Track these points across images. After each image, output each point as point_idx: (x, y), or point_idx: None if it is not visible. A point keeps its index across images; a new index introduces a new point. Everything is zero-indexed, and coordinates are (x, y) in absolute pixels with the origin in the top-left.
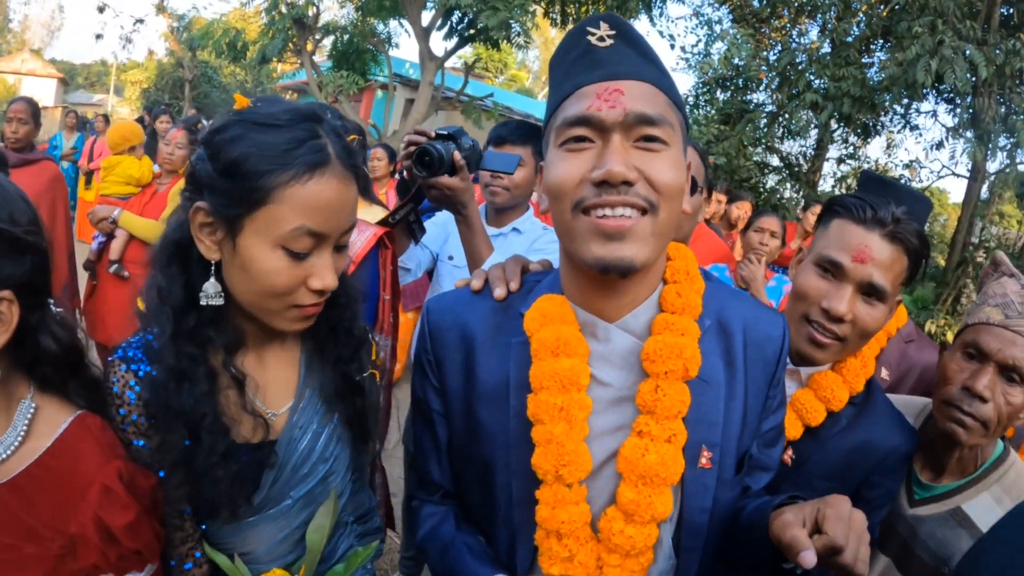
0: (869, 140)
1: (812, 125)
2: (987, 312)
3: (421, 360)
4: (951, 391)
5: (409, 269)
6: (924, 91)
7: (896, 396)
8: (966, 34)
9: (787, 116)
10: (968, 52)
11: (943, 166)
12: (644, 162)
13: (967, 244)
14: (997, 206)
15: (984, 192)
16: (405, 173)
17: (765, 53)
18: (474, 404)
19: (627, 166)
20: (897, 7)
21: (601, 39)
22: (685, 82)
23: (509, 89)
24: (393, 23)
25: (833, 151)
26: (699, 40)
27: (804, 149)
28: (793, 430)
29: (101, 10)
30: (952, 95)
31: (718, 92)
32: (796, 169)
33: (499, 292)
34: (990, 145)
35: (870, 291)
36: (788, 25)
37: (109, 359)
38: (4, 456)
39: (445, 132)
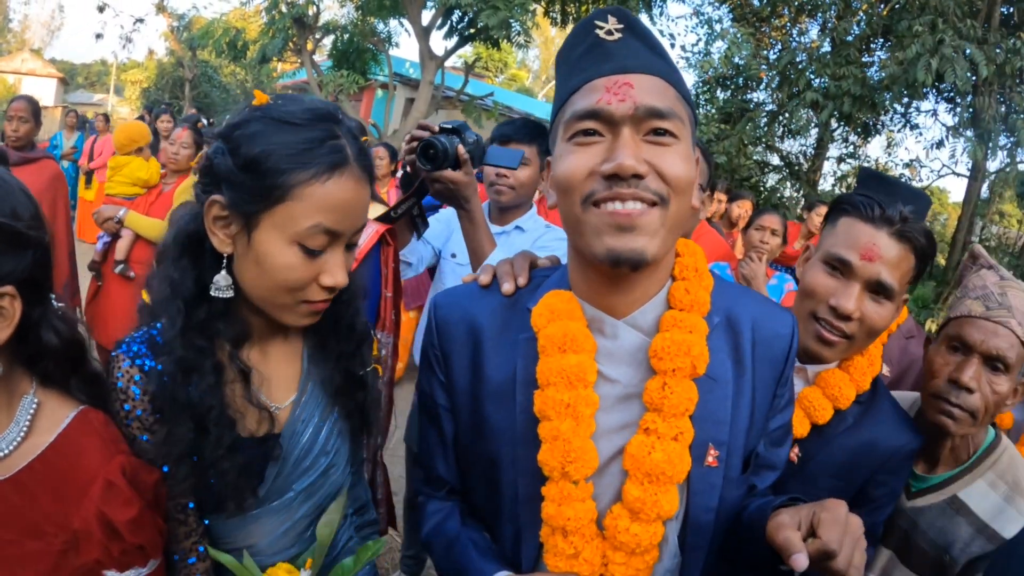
0: (869, 139)
1: (812, 124)
2: (968, 305)
3: (428, 354)
4: (938, 384)
5: (410, 263)
6: (924, 90)
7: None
8: (966, 33)
9: (787, 115)
10: (968, 51)
11: (943, 165)
12: (654, 156)
13: (967, 243)
14: (997, 205)
15: (984, 191)
16: (408, 167)
17: (765, 52)
18: (480, 400)
19: (638, 160)
20: (897, 6)
21: (609, 32)
22: (685, 81)
23: (509, 88)
24: (393, 22)
25: (833, 150)
26: (699, 39)
27: (804, 148)
28: (800, 428)
29: (101, 9)
30: (952, 94)
31: (718, 91)
32: (796, 168)
33: (507, 287)
34: (990, 144)
35: (878, 289)
36: (788, 24)
37: (113, 353)
38: (6, 452)
39: (449, 126)
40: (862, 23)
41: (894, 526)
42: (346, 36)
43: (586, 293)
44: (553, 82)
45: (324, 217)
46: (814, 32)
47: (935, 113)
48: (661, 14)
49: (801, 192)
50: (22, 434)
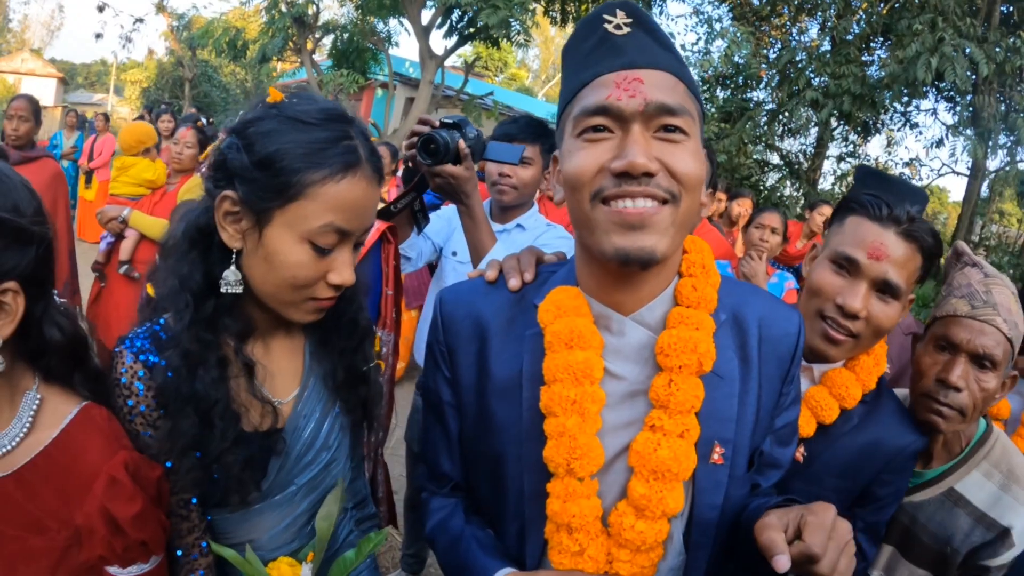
0: (869, 138)
1: (812, 123)
2: (954, 304)
3: (433, 350)
4: (927, 384)
5: (410, 258)
6: (924, 89)
7: None
8: (966, 32)
9: (787, 114)
10: (968, 50)
11: (943, 164)
12: (665, 153)
13: (967, 243)
14: (997, 204)
15: (984, 190)
16: (409, 161)
17: (765, 51)
18: (486, 396)
19: (648, 157)
20: (897, 5)
21: (618, 27)
22: None
23: (509, 88)
24: (393, 22)
25: (833, 149)
26: (699, 38)
27: (804, 147)
28: (807, 427)
29: (101, 9)
30: (952, 93)
31: (718, 90)
32: (796, 167)
33: (514, 283)
34: (990, 143)
35: (885, 288)
36: (788, 23)
37: (115, 349)
38: (9, 448)
39: (450, 121)
40: (862, 22)
41: (894, 522)
42: (346, 35)
43: (593, 289)
44: (553, 81)
45: (336, 216)
46: (814, 31)
47: (935, 112)
48: (661, 13)
49: (801, 191)
50: (25, 430)
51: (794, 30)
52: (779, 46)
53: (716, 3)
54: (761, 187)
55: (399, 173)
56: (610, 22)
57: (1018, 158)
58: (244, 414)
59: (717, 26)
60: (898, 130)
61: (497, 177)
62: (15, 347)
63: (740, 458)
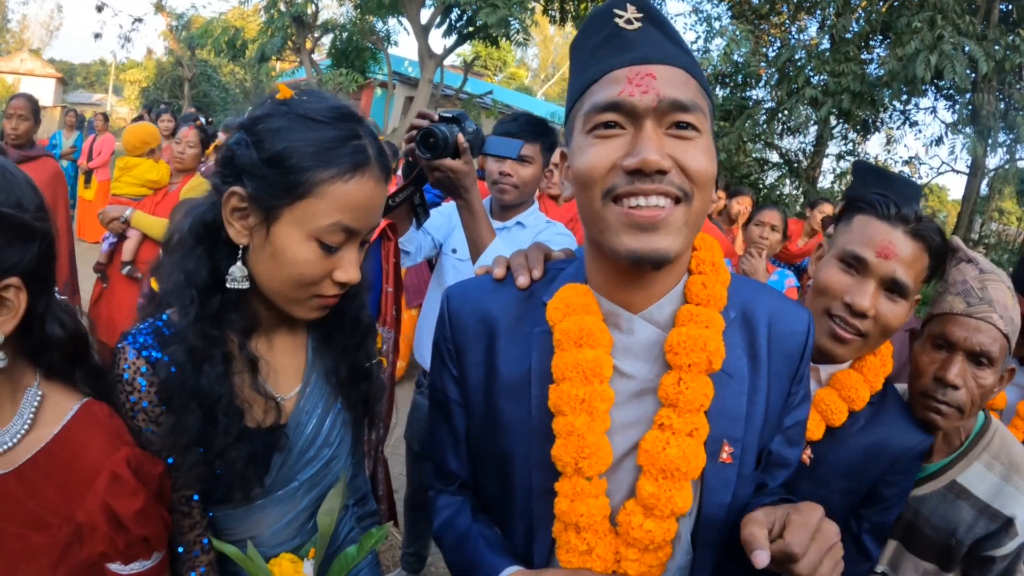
0: (868, 136)
1: (811, 121)
2: (950, 302)
3: (440, 348)
4: (925, 383)
5: (408, 252)
6: (924, 87)
7: None
8: (965, 29)
9: (786, 112)
10: (968, 48)
11: (942, 162)
12: (677, 150)
13: (967, 241)
14: (997, 202)
15: (984, 188)
16: (408, 155)
17: (764, 49)
18: (494, 394)
19: (661, 154)
20: (896, 3)
21: (629, 21)
22: None
23: (508, 87)
24: (392, 21)
25: (832, 147)
26: (698, 37)
27: (803, 145)
28: (816, 430)
29: (100, 9)
30: (951, 91)
31: (717, 88)
32: (795, 165)
33: (522, 280)
34: (990, 141)
35: (893, 287)
36: (787, 21)
37: (118, 345)
38: (10, 445)
39: (449, 115)
40: (861, 20)
41: (898, 516)
42: (345, 35)
43: (602, 287)
44: (552, 81)
45: (344, 215)
46: (813, 29)
47: (934, 110)
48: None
49: (800, 189)
50: (26, 427)
51: (793, 28)
52: (778, 44)
53: (715, 1)
54: (760, 185)
55: (399, 172)
56: (620, 16)
57: (1017, 156)
58: (247, 410)
59: (716, 24)
60: (897, 128)
61: (498, 176)
62: (16, 344)
63: (748, 457)
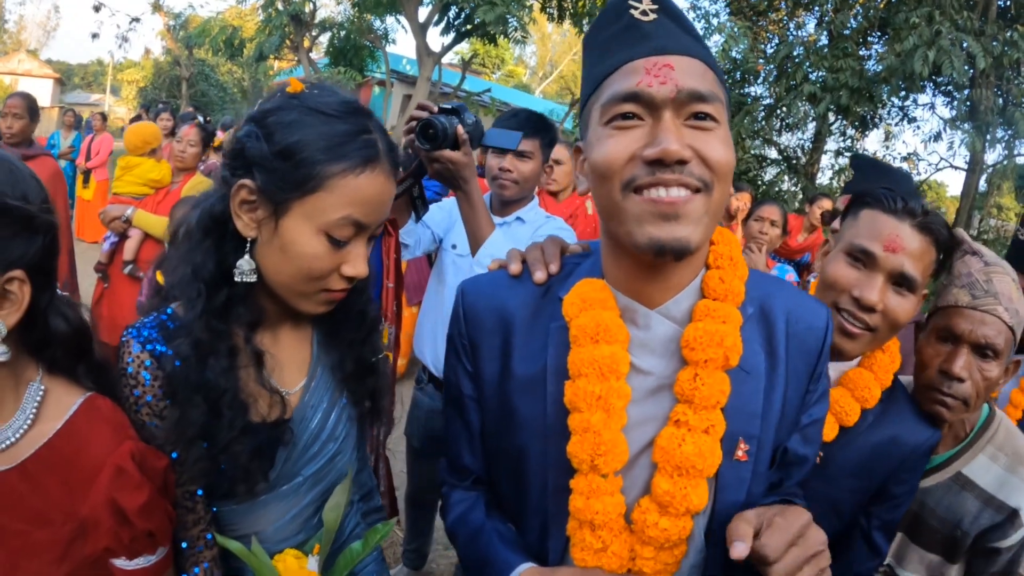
0: (867, 133)
1: (810, 118)
2: (955, 294)
3: (455, 343)
4: (930, 375)
5: (407, 245)
6: (922, 83)
7: None
8: (963, 25)
9: (785, 109)
10: (966, 44)
11: (941, 159)
12: (697, 140)
13: None
14: (995, 198)
15: (982, 184)
16: (408, 147)
17: (762, 46)
18: (509, 390)
19: (682, 144)
20: None
21: (644, 13)
22: None
23: (506, 85)
24: (390, 19)
25: (831, 144)
26: None
27: (802, 142)
28: (829, 431)
29: (97, 9)
30: (950, 88)
31: None
32: (794, 162)
33: (539, 276)
34: (988, 136)
35: (901, 281)
36: (785, 18)
37: (122, 339)
38: (13, 440)
39: (449, 107)
40: (859, 16)
41: None
42: (343, 33)
43: (620, 281)
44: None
45: (354, 209)
46: (811, 25)
47: (932, 107)
48: None
49: (799, 186)
50: (28, 422)
51: (791, 24)
52: (776, 41)
53: None
54: (759, 182)
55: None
56: (636, 8)
57: (1016, 151)
58: (252, 404)
59: (714, 21)
60: (896, 124)
61: (497, 171)
62: (19, 338)
63: (764, 455)
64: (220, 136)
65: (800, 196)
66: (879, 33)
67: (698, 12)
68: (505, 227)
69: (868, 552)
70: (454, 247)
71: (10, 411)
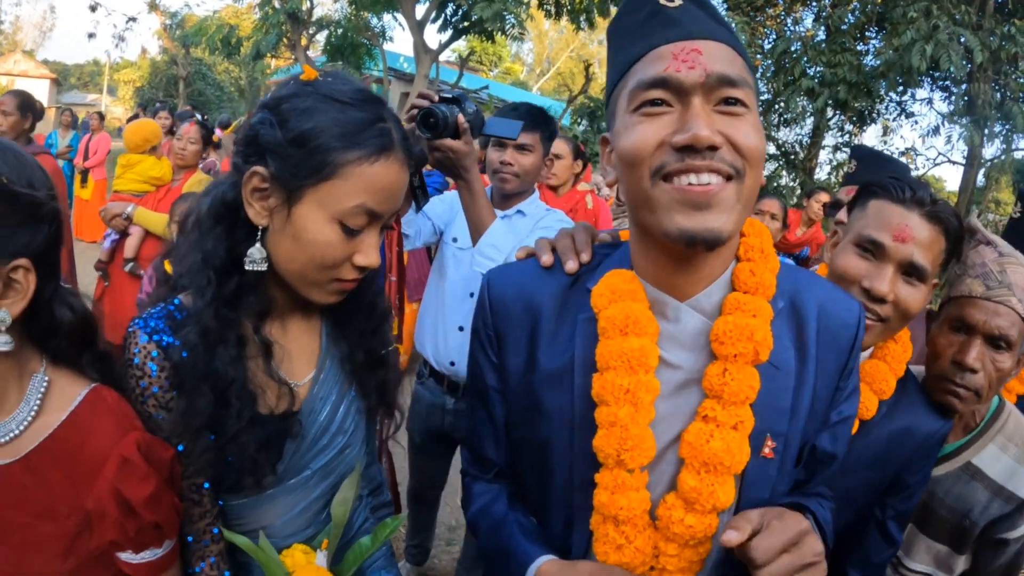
0: (865, 128)
1: (808, 113)
2: (969, 284)
3: (479, 334)
4: (943, 366)
5: (408, 235)
6: (920, 77)
7: None
8: (961, 19)
9: (783, 104)
10: (964, 38)
11: (939, 153)
12: (727, 126)
13: None
14: (993, 193)
15: (980, 179)
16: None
17: (760, 41)
18: (535, 382)
19: (712, 130)
20: None
21: None
22: None
23: (504, 82)
24: (387, 16)
25: (829, 139)
26: None
27: (800, 137)
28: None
29: (93, 9)
30: (947, 83)
31: None
32: (792, 157)
33: (571, 265)
34: (986, 130)
35: (911, 271)
36: (783, 13)
37: (129, 329)
38: (17, 432)
39: (449, 96)
40: (856, 11)
41: None
42: (340, 31)
43: (649, 273)
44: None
45: (368, 198)
46: (809, 20)
47: (930, 101)
48: None
49: (797, 181)
50: (32, 413)
51: (789, 20)
52: (774, 36)
53: None
54: None
55: None
56: None
57: (1014, 146)
58: (260, 395)
59: None
60: (894, 119)
61: (498, 165)
62: (23, 328)
63: (790, 452)
64: (219, 134)
65: (799, 191)
66: (876, 28)
67: None
68: (506, 220)
69: (883, 542)
70: (455, 240)
71: (14, 403)
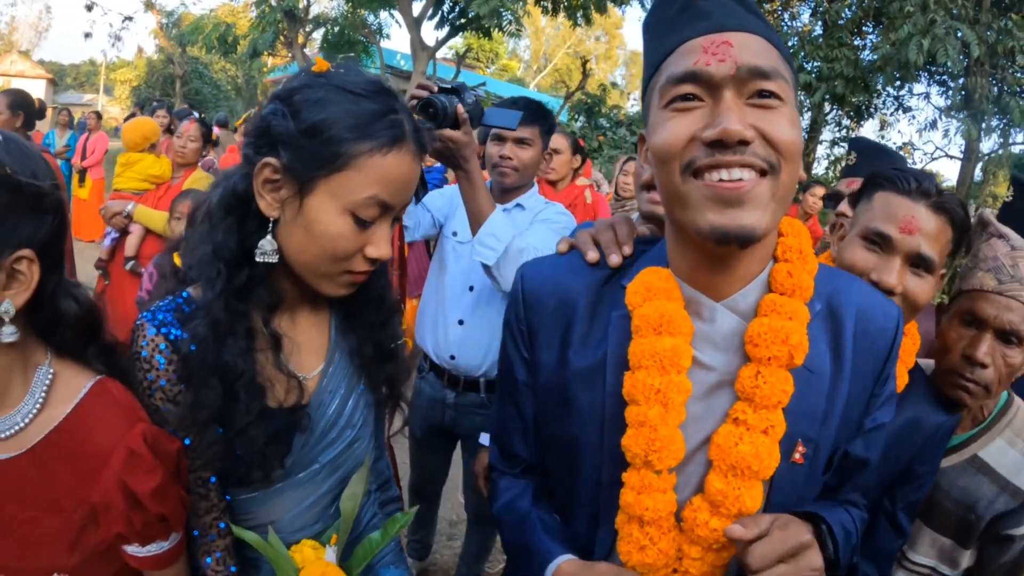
0: (862, 122)
1: (805, 107)
2: (980, 278)
3: (511, 328)
4: (953, 360)
5: (407, 227)
6: (917, 72)
7: None
8: (958, 14)
9: None
10: (960, 32)
11: (936, 148)
12: (760, 120)
13: None
14: (991, 187)
15: (978, 173)
16: None
17: None
18: (567, 378)
19: (743, 124)
20: None
21: None
22: None
23: (501, 79)
24: (384, 14)
25: (826, 134)
26: None
27: None
28: None
29: (89, 8)
30: (944, 77)
31: None
32: None
33: (615, 259)
34: (983, 124)
35: (918, 262)
36: (780, 8)
37: (137, 322)
38: (22, 425)
39: (449, 86)
40: (853, 6)
41: None
42: (337, 28)
43: (684, 271)
44: (543, 72)
45: (381, 189)
46: (806, 15)
47: (927, 96)
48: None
49: None
50: (38, 406)
51: (786, 15)
52: None
53: None
54: None
55: None
56: None
57: (1011, 140)
58: (269, 388)
59: None
60: (891, 114)
61: (498, 159)
62: (27, 321)
63: (820, 458)
64: (217, 132)
65: (796, 186)
66: (873, 23)
67: None
68: (505, 214)
69: (893, 533)
70: (455, 235)
71: (19, 396)
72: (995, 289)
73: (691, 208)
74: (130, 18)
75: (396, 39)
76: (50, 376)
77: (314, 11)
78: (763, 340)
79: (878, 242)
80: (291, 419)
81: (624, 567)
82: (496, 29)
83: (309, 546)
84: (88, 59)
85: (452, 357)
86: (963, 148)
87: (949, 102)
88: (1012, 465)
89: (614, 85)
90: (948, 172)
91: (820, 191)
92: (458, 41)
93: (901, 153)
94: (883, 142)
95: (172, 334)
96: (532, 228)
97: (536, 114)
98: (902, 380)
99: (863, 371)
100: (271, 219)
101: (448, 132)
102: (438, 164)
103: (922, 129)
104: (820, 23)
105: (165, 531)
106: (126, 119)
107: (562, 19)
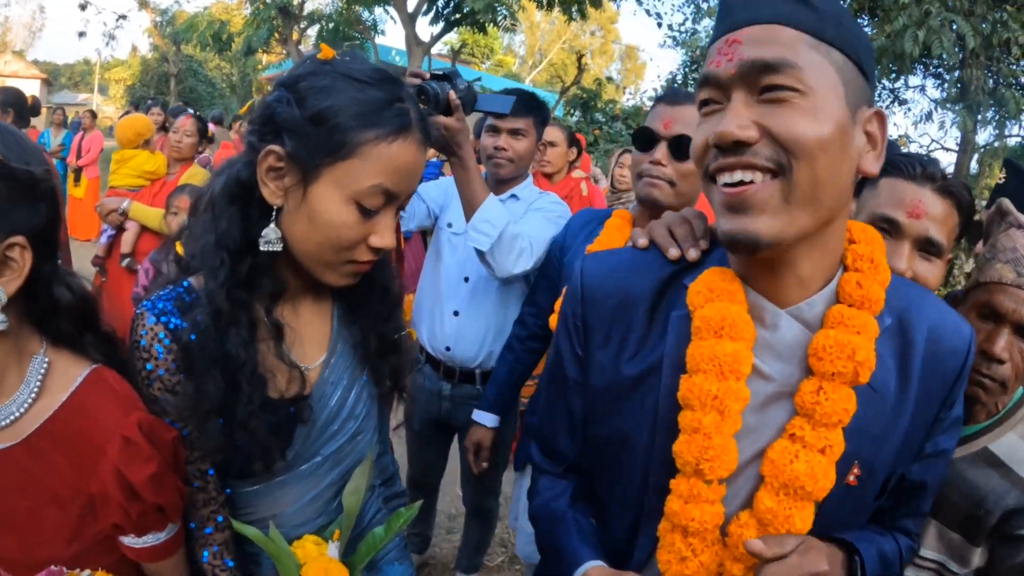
0: None
1: None
2: (999, 270)
3: (567, 323)
4: None
5: (402, 216)
6: (912, 64)
7: None
8: (953, 5)
9: None
10: (956, 24)
11: (932, 140)
12: (766, 116)
13: None
14: (987, 179)
15: (974, 166)
16: None
17: None
18: (621, 378)
19: (741, 125)
20: None
21: None
22: (673, 60)
23: (496, 75)
24: (378, 10)
25: None
26: (686, 18)
27: None
28: None
29: (83, 7)
30: (940, 70)
31: None
32: None
33: (693, 254)
34: (979, 117)
35: (927, 246)
36: None
37: (137, 311)
38: (17, 414)
39: (441, 72)
40: None
41: None
42: (331, 25)
43: (744, 275)
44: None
45: (386, 178)
46: None
47: (923, 88)
48: None
49: None
50: (33, 395)
51: None
52: None
53: None
54: None
55: None
56: None
57: (1007, 132)
58: (271, 379)
59: (704, 5)
60: (887, 106)
61: (492, 150)
62: (21, 309)
63: (874, 481)
64: (213, 129)
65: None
66: (868, 14)
67: None
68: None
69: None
70: (450, 226)
71: (14, 385)
72: (1014, 282)
73: (716, 213)
74: (124, 16)
75: (391, 35)
76: (45, 365)
77: (308, 7)
78: (828, 354)
79: (886, 227)
80: (293, 410)
81: None
82: (491, 24)
83: (311, 541)
84: (83, 59)
85: (447, 348)
86: (959, 140)
87: (945, 94)
88: None
89: (609, 80)
90: (944, 165)
91: None
92: (453, 37)
93: (898, 145)
94: None
95: (172, 323)
96: (526, 217)
97: (530, 105)
98: None
99: (930, 393)
100: (275, 207)
101: (441, 119)
102: (434, 158)
103: (918, 121)
104: None
105: (162, 522)
106: (120, 117)
107: (557, 14)
